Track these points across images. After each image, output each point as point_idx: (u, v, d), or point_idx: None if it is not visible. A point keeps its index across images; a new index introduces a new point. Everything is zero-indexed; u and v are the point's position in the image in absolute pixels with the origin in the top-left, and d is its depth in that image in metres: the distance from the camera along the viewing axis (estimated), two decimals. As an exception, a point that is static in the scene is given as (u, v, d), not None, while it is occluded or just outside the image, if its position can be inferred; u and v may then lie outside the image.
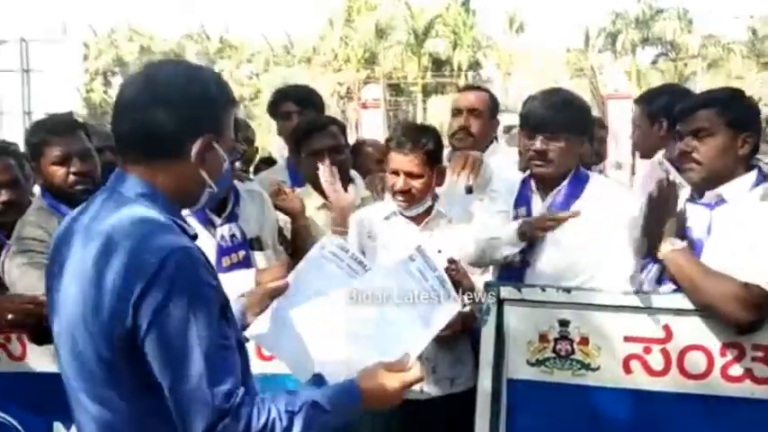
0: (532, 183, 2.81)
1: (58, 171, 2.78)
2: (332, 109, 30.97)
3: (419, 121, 39.73)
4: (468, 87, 4.29)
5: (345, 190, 3.29)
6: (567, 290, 2.40)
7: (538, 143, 2.68)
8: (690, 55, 39.24)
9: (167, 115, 1.52)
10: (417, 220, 2.97)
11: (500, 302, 2.44)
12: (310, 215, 3.25)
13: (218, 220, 2.86)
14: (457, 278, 2.58)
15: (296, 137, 3.43)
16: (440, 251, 2.92)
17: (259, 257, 2.89)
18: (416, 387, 2.77)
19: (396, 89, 41.13)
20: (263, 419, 1.46)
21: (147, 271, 1.42)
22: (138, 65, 46.21)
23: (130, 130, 1.55)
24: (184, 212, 2.70)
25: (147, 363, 1.45)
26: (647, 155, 3.47)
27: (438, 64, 41.86)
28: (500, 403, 2.43)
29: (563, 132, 2.67)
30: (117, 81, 47.89)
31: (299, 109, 3.87)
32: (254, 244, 2.91)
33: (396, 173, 2.89)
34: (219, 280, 1.53)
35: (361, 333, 1.92)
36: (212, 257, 2.73)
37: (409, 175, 2.87)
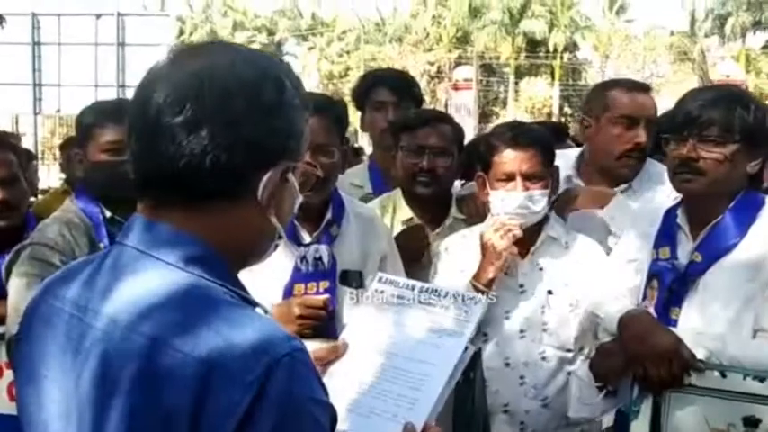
0: (680, 212, 2.06)
1: None
2: (421, 89, 30.20)
3: (510, 103, 38.96)
4: (640, 86, 2.81)
5: (439, 207, 2.62)
6: (762, 378, 1.69)
7: (686, 148, 1.95)
8: (806, 40, 36.66)
9: (227, 136, 0.99)
10: (520, 246, 2.27)
11: (658, 387, 1.76)
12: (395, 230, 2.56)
13: (306, 238, 2.20)
14: None
15: (394, 130, 2.72)
16: (551, 292, 2.25)
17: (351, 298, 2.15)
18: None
19: (488, 70, 40.10)
20: None
21: (241, 397, 0.89)
22: (231, 40, 46.83)
23: (166, 157, 0.99)
24: None
25: None
26: None
27: (533, 44, 40.54)
28: None
29: (725, 136, 1.93)
30: (210, 56, 48.56)
31: (396, 99, 3.08)
32: (350, 279, 2.17)
33: (509, 177, 2.22)
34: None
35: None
36: (286, 279, 2.15)
37: (528, 178, 2.20)
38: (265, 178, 1.02)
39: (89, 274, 1.05)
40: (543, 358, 2.24)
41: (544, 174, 2.22)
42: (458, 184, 2.93)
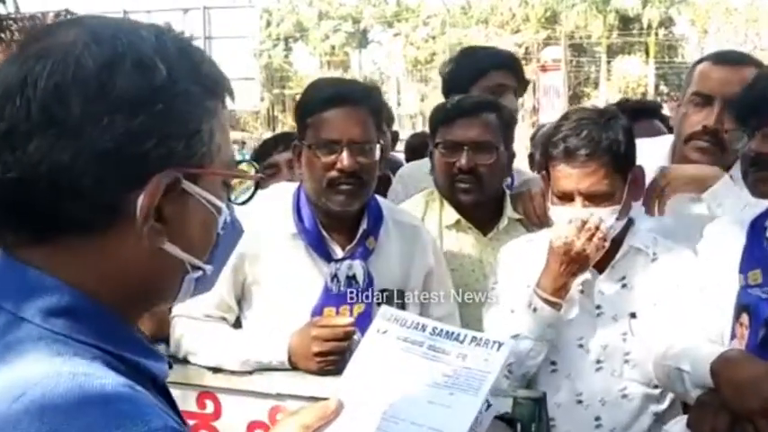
0: None
1: None
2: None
3: (602, 83, 37.69)
4: (729, 58, 2.23)
5: (489, 207, 2.26)
6: None
7: (755, 142, 1.61)
8: None
9: (64, 149, 0.72)
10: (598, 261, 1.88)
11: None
12: (435, 238, 2.19)
13: (338, 252, 1.92)
14: None
15: (431, 124, 2.34)
16: (634, 315, 1.88)
17: None
18: None
19: (578, 49, 38.92)
20: None
21: None
22: (317, 29, 47.18)
23: (9, 181, 0.73)
24: (288, 229, 1.88)
25: None
26: None
27: (625, 21, 39.18)
28: None
29: None
30: (297, 46, 49.13)
31: (516, 84, 2.69)
32: (391, 301, 1.89)
33: (567, 196, 1.82)
34: None
35: None
36: (314, 301, 1.87)
37: (591, 198, 1.80)
38: (140, 199, 0.75)
39: None
40: (624, 396, 1.88)
41: (612, 189, 1.80)
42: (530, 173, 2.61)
